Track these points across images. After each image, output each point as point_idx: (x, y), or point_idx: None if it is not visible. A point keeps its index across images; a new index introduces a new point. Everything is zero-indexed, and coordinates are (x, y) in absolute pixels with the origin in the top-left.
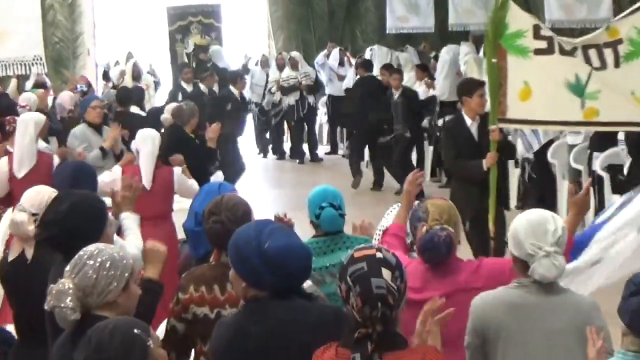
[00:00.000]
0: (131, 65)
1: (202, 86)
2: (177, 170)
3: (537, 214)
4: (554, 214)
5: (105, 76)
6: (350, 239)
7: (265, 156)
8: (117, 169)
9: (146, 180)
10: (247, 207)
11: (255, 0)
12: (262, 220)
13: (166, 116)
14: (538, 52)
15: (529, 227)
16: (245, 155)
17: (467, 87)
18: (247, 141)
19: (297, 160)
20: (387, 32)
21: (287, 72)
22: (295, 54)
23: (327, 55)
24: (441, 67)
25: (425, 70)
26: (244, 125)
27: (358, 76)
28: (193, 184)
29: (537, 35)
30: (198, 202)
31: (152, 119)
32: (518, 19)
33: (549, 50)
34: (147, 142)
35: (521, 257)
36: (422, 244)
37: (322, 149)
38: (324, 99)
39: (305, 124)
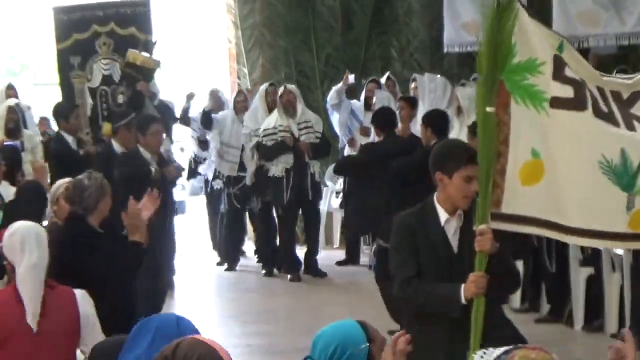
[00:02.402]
0: (5, 109)
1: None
2: (81, 293)
3: None
4: None
5: None
6: None
7: (231, 268)
8: None
9: (31, 313)
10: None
11: None
12: None
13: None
14: (557, 103)
15: None
16: (190, 263)
17: (448, 158)
18: (196, 242)
19: (289, 276)
20: (445, 50)
21: (273, 119)
22: (292, 88)
23: (347, 92)
24: None
25: None
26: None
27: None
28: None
29: (559, 73)
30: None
31: (27, 199)
32: (530, 39)
33: (576, 104)
34: (28, 244)
35: None
36: None
37: (330, 256)
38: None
39: (301, 211)
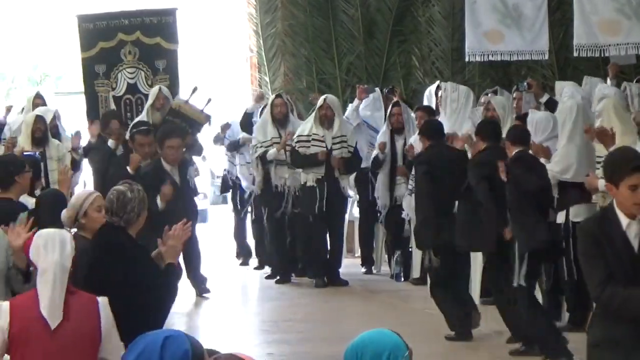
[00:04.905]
0: (32, 118)
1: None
2: (104, 300)
3: None
4: None
5: None
6: None
7: (262, 266)
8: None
9: (50, 316)
10: None
11: (237, 6)
12: None
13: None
14: None
15: None
16: (211, 272)
17: (614, 167)
18: (217, 251)
19: (314, 282)
20: (467, 59)
21: (308, 126)
22: (332, 102)
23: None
24: (562, 121)
25: None
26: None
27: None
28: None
29: None
30: None
31: (48, 211)
32: None
33: None
34: (51, 244)
35: None
36: None
37: (351, 264)
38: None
39: (327, 221)
